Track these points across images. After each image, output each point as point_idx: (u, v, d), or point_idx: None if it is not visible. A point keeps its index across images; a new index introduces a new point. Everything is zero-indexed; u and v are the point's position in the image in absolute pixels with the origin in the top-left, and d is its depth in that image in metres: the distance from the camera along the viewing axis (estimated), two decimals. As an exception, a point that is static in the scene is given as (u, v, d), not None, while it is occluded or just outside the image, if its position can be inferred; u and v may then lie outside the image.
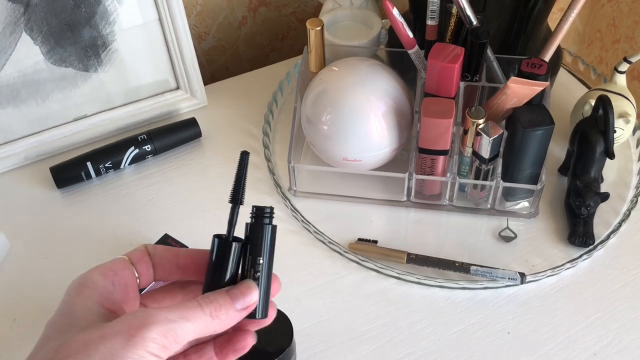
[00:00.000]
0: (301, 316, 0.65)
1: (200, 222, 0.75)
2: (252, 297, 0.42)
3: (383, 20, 0.85)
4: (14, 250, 0.72)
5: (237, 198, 0.43)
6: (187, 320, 0.39)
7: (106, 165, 0.78)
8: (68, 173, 0.78)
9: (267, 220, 0.42)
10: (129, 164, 0.80)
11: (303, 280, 0.69)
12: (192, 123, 0.83)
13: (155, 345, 0.37)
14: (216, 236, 0.42)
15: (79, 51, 0.78)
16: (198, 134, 0.83)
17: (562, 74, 0.88)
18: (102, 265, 0.42)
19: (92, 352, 0.37)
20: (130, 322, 0.38)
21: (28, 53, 0.75)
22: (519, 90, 0.65)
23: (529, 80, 0.65)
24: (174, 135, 0.82)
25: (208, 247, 0.43)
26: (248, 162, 0.43)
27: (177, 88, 0.86)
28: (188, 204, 0.76)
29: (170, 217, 0.75)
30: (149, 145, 0.80)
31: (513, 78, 0.65)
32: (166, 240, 0.70)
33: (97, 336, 0.37)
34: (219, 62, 1.00)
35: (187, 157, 0.82)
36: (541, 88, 0.65)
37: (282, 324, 0.60)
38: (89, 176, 0.78)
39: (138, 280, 0.44)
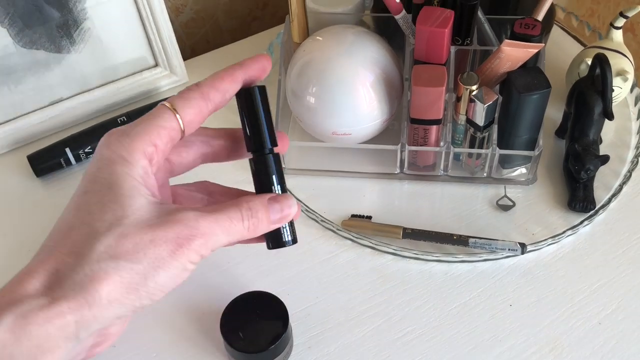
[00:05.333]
0: (296, 299, 0.63)
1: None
2: (290, 210, 0.45)
3: (367, -16, 0.81)
4: (-6, 244, 0.69)
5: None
6: (228, 235, 0.41)
7: (86, 150, 0.75)
8: (46, 161, 0.75)
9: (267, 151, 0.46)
10: (110, 147, 0.77)
11: (296, 261, 0.67)
12: (173, 101, 0.79)
13: (196, 256, 0.40)
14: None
15: (49, 32, 0.74)
16: (180, 113, 0.79)
17: (555, 31, 0.85)
18: (146, 135, 0.41)
19: (141, 256, 0.38)
20: (180, 231, 0.39)
21: (-5, 37, 0.71)
22: (513, 53, 0.62)
23: (523, 43, 0.62)
24: (155, 115, 0.78)
25: None
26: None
27: (156, 65, 0.83)
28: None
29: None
30: (129, 127, 0.76)
31: (506, 41, 0.62)
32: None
33: (148, 239, 0.38)
34: (199, 35, 0.96)
35: (170, 137, 0.79)
36: (536, 50, 0.62)
37: (277, 309, 0.58)
38: (68, 163, 0.75)
39: (183, 131, 0.43)
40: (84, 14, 0.75)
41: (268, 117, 0.45)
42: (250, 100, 0.45)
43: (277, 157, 0.46)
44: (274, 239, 0.46)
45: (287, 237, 0.46)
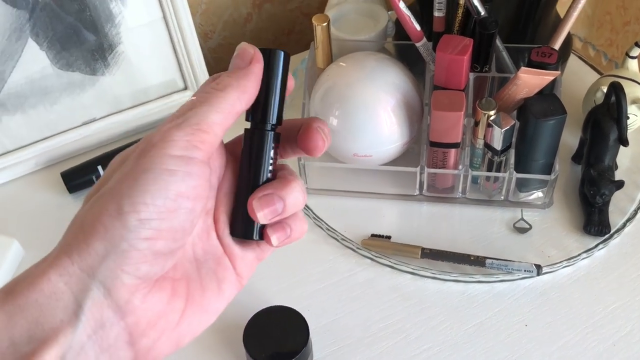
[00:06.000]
0: (316, 314, 0.65)
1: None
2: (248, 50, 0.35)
3: (389, 13, 0.84)
4: (28, 258, 0.72)
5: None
6: (200, 104, 0.33)
7: (117, 168, 0.78)
8: (79, 178, 0.78)
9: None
10: (140, 166, 0.80)
11: (316, 278, 0.69)
12: (200, 123, 0.82)
13: (178, 144, 0.31)
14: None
15: (85, 55, 0.78)
16: (207, 134, 0.82)
17: (572, 60, 0.87)
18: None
19: (110, 173, 0.33)
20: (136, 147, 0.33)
21: (35, 59, 0.75)
22: (529, 81, 0.64)
23: (539, 70, 0.64)
24: (183, 136, 0.81)
25: None
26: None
27: (185, 88, 0.86)
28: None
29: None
30: (158, 147, 0.79)
31: (523, 68, 0.64)
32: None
33: (117, 162, 0.33)
34: (226, 60, 0.99)
35: (197, 157, 0.82)
36: (552, 77, 0.64)
37: (298, 324, 0.60)
38: (100, 180, 0.78)
39: None
40: (118, 38, 0.78)
41: (283, 89, 0.38)
42: (267, 63, 0.37)
43: (277, 137, 0.38)
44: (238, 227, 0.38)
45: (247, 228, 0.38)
